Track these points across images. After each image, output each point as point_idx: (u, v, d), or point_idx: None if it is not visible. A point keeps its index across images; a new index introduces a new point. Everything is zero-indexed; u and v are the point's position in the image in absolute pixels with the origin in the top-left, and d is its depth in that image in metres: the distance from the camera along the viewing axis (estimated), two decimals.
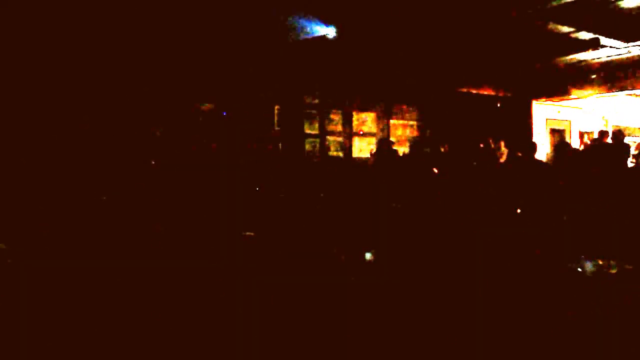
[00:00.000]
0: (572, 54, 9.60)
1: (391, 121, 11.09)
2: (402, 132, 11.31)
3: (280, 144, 9.35)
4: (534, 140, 8.93)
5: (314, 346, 3.33)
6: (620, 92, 11.63)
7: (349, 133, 10.41)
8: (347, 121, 10.39)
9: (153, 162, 7.54)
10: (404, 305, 4.12)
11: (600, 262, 5.23)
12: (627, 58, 9.80)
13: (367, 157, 10.35)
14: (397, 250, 6.08)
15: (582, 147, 11.39)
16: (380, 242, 6.35)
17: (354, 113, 10.48)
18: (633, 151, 9.86)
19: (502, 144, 8.59)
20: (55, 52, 6.79)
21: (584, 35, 8.41)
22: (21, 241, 5.39)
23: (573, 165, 6.87)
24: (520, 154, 6.89)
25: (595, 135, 10.47)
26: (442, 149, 9.27)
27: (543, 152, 12.33)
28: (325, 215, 7.14)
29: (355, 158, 10.41)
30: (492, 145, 8.70)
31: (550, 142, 12.79)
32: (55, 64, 6.84)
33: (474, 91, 11.47)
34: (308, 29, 7.81)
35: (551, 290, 4.51)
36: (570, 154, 7.37)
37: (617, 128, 10.42)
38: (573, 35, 8.42)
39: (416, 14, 7.29)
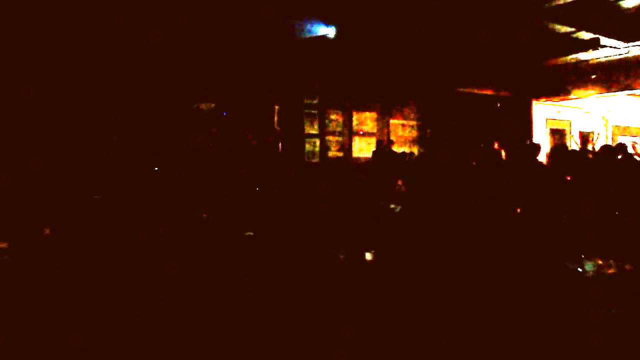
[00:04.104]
0: (572, 54, 9.60)
1: (391, 121, 11.09)
2: (402, 132, 11.31)
3: (280, 144, 9.34)
4: (536, 141, 8.88)
5: (314, 346, 3.33)
6: (620, 92, 11.62)
7: (349, 133, 10.40)
8: (347, 121, 10.39)
9: (154, 164, 7.54)
10: (404, 305, 4.12)
11: (600, 262, 5.23)
12: (628, 58, 9.80)
13: (369, 157, 10.37)
14: (397, 250, 6.08)
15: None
16: (380, 242, 6.35)
17: (354, 113, 10.48)
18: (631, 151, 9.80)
19: (496, 144, 8.60)
20: (54, 51, 6.79)
21: (584, 35, 8.41)
22: (22, 241, 5.39)
23: (573, 166, 6.85)
24: (519, 154, 6.87)
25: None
26: (442, 150, 9.27)
27: (543, 152, 12.33)
28: (325, 215, 7.14)
29: (355, 158, 10.41)
30: (495, 146, 8.70)
31: (551, 143, 12.80)
32: (54, 63, 6.84)
33: (474, 91, 11.47)
34: (308, 29, 7.80)
35: (551, 290, 4.51)
36: (570, 157, 7.33)
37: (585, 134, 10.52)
38: (573, 35, 8.42)
39: (416, 14, 7.29)
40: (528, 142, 8.89)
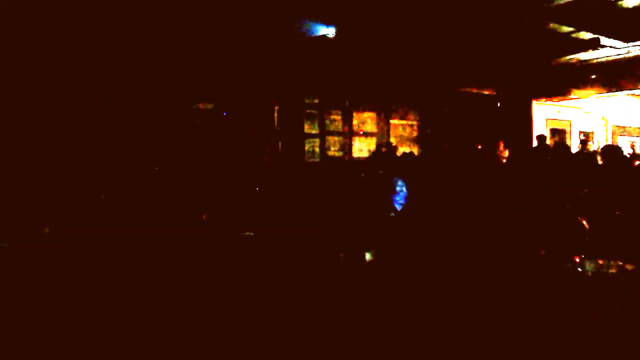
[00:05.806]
0: (572, 54, 9.61)
1: (391, 121, 11.10)
2: (402, 132, 11.31)
3: (280, 144, 9.35)
4: (544, 140, 8.80)
5: (314, 346, 3.33)
6: (620, 92, 11.64)
7: (349, 133, 10.41)
8: (347, 121, 10.40)
9: (153, 164, 7.54)
10: (404, 305, 4.12)
11: (600, 262, 5.23)
12: (627, 58, 9.80)
13: (369, 157, 10.38)
14: (397, 250, 6.08)
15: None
16: (380, 242, 6.35)
17: (354, 113, 10.48)
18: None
19: (502, 144, 8.58)
20: (54, 50, 6.79)
21: (584, 35, 8.41)
22: (22, 240, 5.39)
23: (574, 166, 6.85)
24: (527, 154, 6.86)
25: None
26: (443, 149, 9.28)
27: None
28: (325, 215, 7.13)
29: (355, 158, 10.42)
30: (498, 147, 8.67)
31: (551, 143, 12.80)
32: (54, 62, 6.84)
33: (474, 91, 11.47)
34: (308, 28, 7.81)
35: (551, 290, 4.51)
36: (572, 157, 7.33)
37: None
38: (573, 35, 8.42)
39: (416, 13, 7.29)
40: (538, 142, 8.81)
